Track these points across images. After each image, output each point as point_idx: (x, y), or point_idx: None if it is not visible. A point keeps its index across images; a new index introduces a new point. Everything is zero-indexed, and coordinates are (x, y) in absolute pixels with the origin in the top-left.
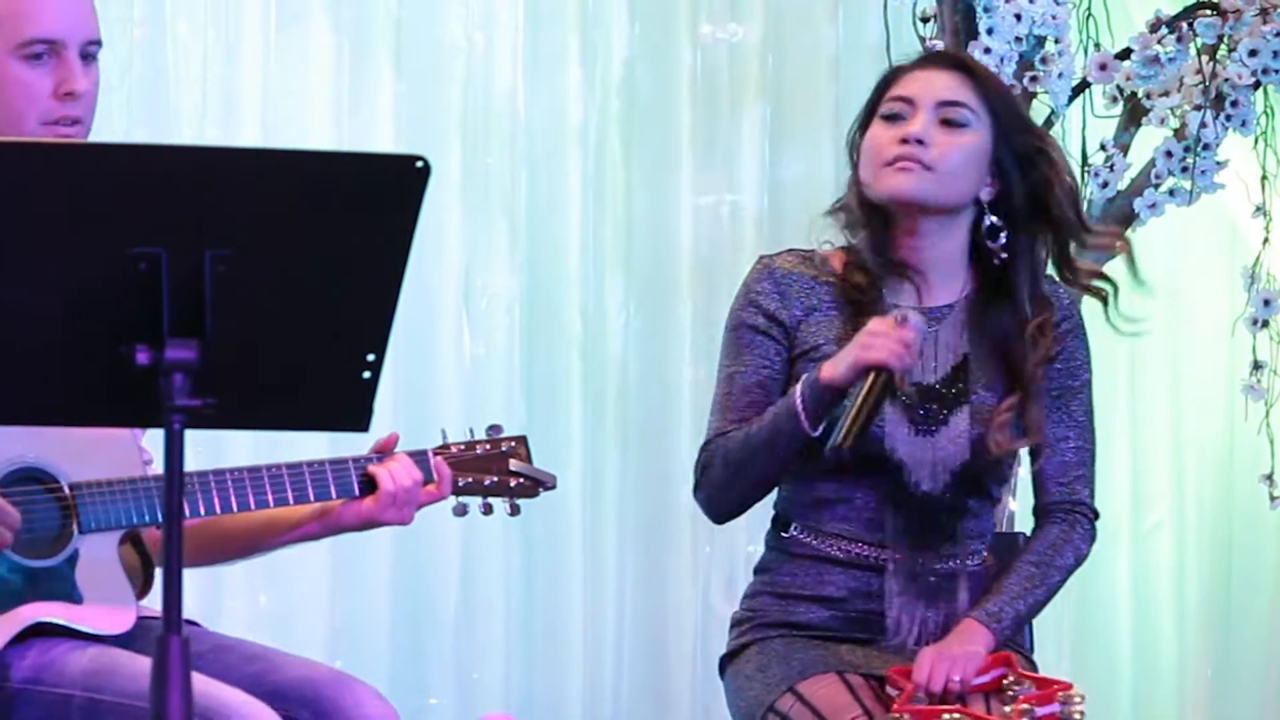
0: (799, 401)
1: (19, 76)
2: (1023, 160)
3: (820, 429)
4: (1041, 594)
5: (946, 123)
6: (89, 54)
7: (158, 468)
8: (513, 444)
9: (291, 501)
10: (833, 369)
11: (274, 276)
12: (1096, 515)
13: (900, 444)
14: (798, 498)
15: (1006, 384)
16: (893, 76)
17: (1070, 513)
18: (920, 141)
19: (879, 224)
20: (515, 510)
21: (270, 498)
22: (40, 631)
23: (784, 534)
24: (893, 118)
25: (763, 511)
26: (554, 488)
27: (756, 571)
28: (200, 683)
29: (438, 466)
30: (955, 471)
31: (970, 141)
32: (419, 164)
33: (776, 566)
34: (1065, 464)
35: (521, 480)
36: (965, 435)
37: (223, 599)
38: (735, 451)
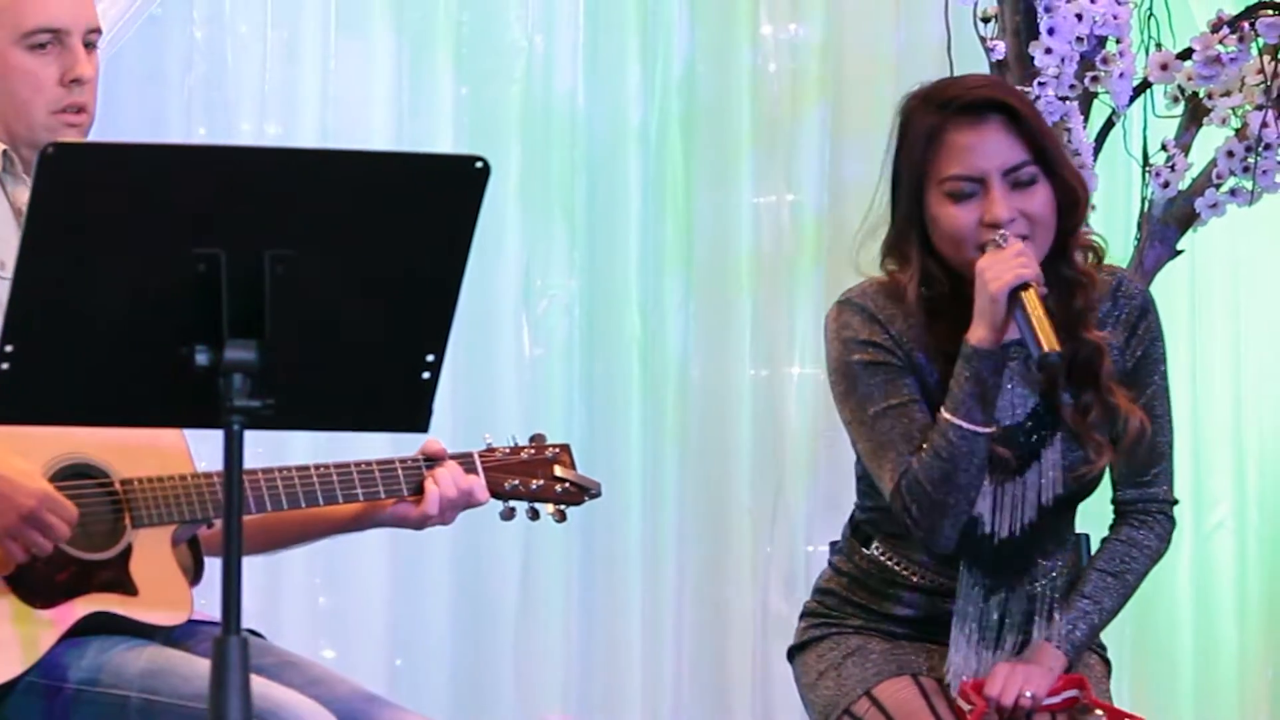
0: (965, 388)
1: (24, 66)
2: (1067, 197)
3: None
4: (1116, 601)
5: (1018, 185)
6: (90, 42)
7: (201, 463)
8: (557, 450)
9: (341, 502)
10: (979, 331)
11: (333, 277)
12: (1176, 502)
13: (979, 498)
14: (885, 521)
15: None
16: (939, 133)
17: (1145, 513)
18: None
19: (956, 289)
20: (562, 516)
21: (320, 498)
22: (98, 628)
23: (864, 549)
24: (964, 196)
25: (821, 512)
26: (599, 495)
27: (832, 565)
28: (259, 684)
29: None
30: (1045, 506)
31: (1044, 194)
32: (478, 164)
33: (852, 575)
34: (1143, 460)
35: (568, 485)
36: (1057, 466)
37: (282, 600)
38: (934, 477)
